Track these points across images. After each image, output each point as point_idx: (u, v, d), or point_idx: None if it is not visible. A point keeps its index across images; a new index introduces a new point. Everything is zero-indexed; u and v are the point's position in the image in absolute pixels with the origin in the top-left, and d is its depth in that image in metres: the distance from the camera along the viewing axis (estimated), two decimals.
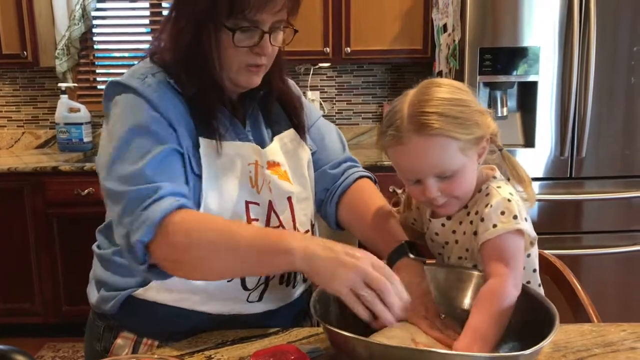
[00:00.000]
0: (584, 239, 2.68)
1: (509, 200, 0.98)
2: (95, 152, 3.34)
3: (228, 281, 1.06)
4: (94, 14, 3.30)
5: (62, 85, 3.26)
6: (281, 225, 1.12)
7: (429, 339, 0.90)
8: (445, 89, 0.98)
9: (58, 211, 2.90)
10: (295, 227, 1.14)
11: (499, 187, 1.02)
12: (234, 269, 0.99)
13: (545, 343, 0.78)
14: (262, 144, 1.14)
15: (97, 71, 3.46)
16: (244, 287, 1.07)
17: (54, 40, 3.24)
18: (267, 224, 1.10)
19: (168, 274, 0.99)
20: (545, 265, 1.27)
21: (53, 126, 3.38)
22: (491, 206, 0.98)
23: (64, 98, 3.27)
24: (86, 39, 3.35)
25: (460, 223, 1.05)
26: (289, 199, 1.14)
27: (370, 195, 1.22)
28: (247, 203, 1.08)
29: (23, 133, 3.47)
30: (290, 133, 1.20)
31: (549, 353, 0.96)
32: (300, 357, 0.86)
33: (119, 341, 1.11)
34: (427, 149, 0.95)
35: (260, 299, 1.10)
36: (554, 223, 2.64)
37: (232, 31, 1.01)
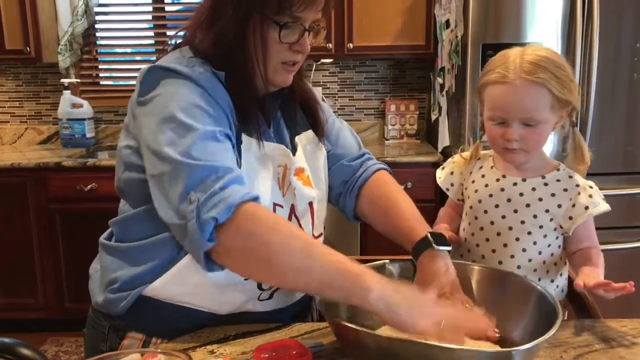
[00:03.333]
0: None
1: (590, 187, 1.18)
2: (97, 148, 3.35)
3: (245, 279, 1.04)
4: (96, 9, 3.30)
5: (65, 81, 3.26)
6: (301, 228, 1.11)
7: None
8: (554, 54, 1.14)
9: (61, 207, 2.90)
10: (312, 230, 1.14)
11: (571, 176, 1.19)
12: (300, 283, 0.93)
13: (544, 339, 0.78)
14: (284, 145, 1.13)
15: (100, 67, 3.46)
16: (260, 287, 1.07)
17: (57, 36, 3.24)
18: None
19: (219, 265, 0.94)
20: None
21: (56, 122, 3.39)
22: (580, 193, 1.16)
23: (66, 94, 3.27)
24: (89, 34, 3.35)
25: (534, 189, 1.17)
26: (310, 204, 1.14)
27: (390, 188, 1.24)
28: (274, 205, 1.07)
29: (26, 129, 3.47)
30: (308, 134, 1.19)
31: (550, 348, 0.96)
32: (302, 351, 0.86)
33: (126, 342, 1.09)
34: (528, 92, 1.09)
35: (271, 296, 1.10)
36: None
37: (279, 26, 0.99)
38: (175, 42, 1.12)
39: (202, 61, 1.04)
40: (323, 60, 3.30)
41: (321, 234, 1.19)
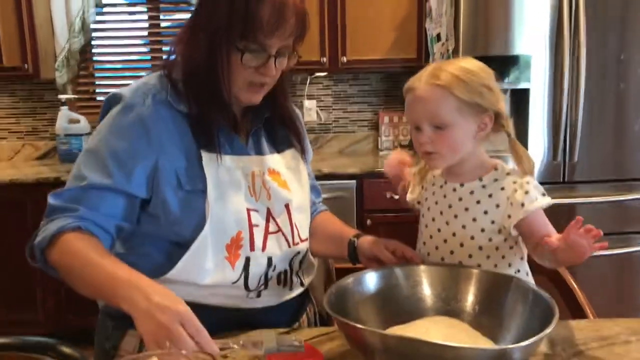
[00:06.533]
0: None
1: (527, 182, 1.15)
2: None
3: (233, 283, 1.13)
4: (93, 26, 3.35)
5: (62, 97, 3.29)
6: (280, 230, 1.19)
7: (443, 333, 0.96)
8: (468, 62, 1.15)
9: None
10: (292, 232, 1.22)
11: (508, 173, 1.18)
12: (87, 292, 1.04)
13: (542, 336, 0.83)
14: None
15: (97, 82, 3.51)
16: (246, 288, 1.15)
17: (54, 53, 3.28)
18: (267, 228, 1.18)
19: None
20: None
21: (53, 138, 3.42)
22: (517, 190, 1.14)
23: (64, 109, 3.29)
24: (85, 50, 3.39)
25: (472, 193, 1.18)
26: (287, 206, 1.22)
27: (328, 220, 1.39)
28: (248, 210, 1.16)
29: (23, 145, 3.50)
30: (292, 152, 1.29)
31: (549, 347, 1.01)
32: (313, 352, 0.90)
33: (125, 339, 1.17)
34: (429, 96, 1.12)
35: (258, 295, 1.17)
36: None
37: (241, 52, 1.08)
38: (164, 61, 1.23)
39: (161, 88, 1.15)
40: (317, 74, 3.36)
41: (307, 239, 1.27)
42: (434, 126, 1.13)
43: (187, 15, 3.38)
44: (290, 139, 1.29)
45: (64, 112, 3.30)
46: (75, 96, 3.40)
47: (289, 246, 1.20)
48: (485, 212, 1.16)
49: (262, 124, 1.25)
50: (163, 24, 3.47)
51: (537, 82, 2.60)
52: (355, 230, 1.32)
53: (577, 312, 1.21)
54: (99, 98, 3.51)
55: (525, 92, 2.62)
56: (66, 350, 0.57)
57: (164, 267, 1.11)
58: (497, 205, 1.16)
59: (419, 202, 1.30)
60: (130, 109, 1.12)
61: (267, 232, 1.17)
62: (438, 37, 2.81)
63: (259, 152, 1.23)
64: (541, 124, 2.64)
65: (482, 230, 1.16)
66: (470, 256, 1.17)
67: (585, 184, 2.70)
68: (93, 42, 3.42)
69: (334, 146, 3.51)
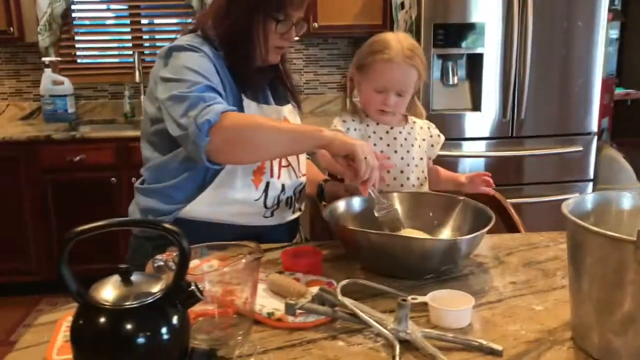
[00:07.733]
0: (524, 189, 3.09)
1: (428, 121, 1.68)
2: (79, 123, 3.56)
3: (255, 200, 1.41)
4: None
5: (46, 59, 3.44)
6: (290, 164, 1.48)
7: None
8: (415, 43, 1.52)
9: (52, 177, 3.12)
10: (298, 167, 1.51)
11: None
12: (276, 146, 1.29)
13: (483, 232, 1.14)
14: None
15: (77, 46, 3.66)
16: (265, 206, 1.43)
17: (36, 17, 3.42)
18: (280, 162, 1.45)
19: (218, 161, 1.27)
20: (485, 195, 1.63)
21: (37, 98, 3.58)
22: (429, 128, 1.64)
23: (48, 71, 3.45)
24: (67, 15, 3.54)
25: (409, 133, 1.59)
26: None
27: (308, 167, 1.65)
28: None
29: (7, 105, 3.65)
30: (289, 107, 1.57)
31: (488, 249, 1.33)
32: (316, 253, 1.20)
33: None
34: (406, 73, 1.48)
35: (272, 215, 1.46)
36: (499, 176, 2.93)
37: (276, 21, 1.37)
38: (192, 28, 1.47)
39: (205, 42, 1.40)
40: None
41: (305, 174, 1.57)
42: (398, 94, 1.49)
43: None
44: (288, 96, 1.57)
45: (48, 74, 3.46)
46: (59, 59, 3.55)
47: (296, 177, 1.49)
48: (420, 146, 1.57)
49: (268, 82, 1.52)
50: None
51: (490, 47, 2.90)
52: (324, 176, 1.66)
53: (511, 226, 1.54)
54: (79, 61, 3.68)
55: (480, 56, 2.92)
56: (168, 226, 0.83)
57: (204, 185, 1.37)
58: (423, 139, 1.60)
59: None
60: (195, 48, 1.36)
61: (280, 165, 1.45)
62: (402, 5, 3.08)
63: (271, 104, 1.50)
64: (493, 85, 2.95)
65: (421, 158, 1.57)
66: (413, 185, 1.54)
67: (531, 138, 3.04)
68: (73, 7, 3.56)
69: (305, 107, 3.76)
